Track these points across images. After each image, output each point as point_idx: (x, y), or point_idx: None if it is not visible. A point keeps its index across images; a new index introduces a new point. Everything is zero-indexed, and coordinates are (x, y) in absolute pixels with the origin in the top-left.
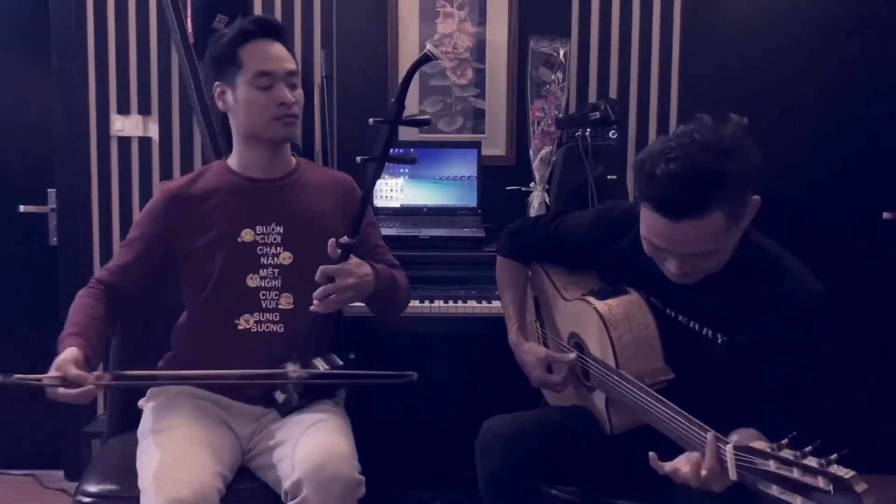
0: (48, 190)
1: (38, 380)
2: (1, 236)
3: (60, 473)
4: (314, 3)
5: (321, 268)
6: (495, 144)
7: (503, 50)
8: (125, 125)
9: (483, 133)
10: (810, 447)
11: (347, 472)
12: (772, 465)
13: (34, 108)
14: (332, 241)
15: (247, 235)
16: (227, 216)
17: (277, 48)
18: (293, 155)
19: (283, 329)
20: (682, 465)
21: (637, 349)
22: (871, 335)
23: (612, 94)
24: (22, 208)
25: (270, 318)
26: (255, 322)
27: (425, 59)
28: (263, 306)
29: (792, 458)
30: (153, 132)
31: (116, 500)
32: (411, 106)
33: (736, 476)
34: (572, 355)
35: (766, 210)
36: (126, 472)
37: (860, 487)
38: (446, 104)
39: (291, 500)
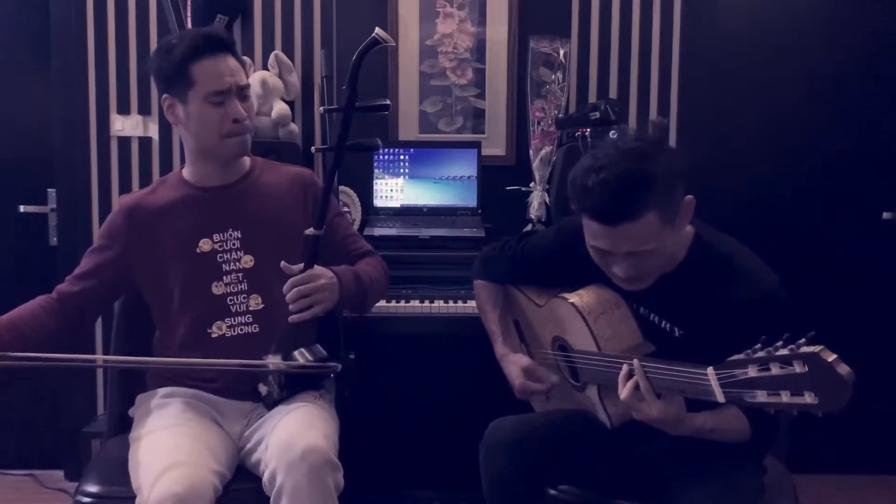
0: (48, 190)
1: None
2: (1, 236)
3: (60, 473)
4: (314, 3)
5: (289, 281)
6: (495, 144)
7: (503, 50)
8: (125, 125)
9: (483, 133)
10: (780, 342)
11: (321, 458)
12: (751, 371)
13: (34, 108)
14: (283, 263)
15: (205, 245)
16: (183, 228)
17: (229, 62)
18: (248, 156)
19: (257, 329)
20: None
21: (613, 329)
22: (871, 335)
23: (612, 94)
24: (22, 208)
25: (243, 321)
26: (229, 327)
27: (374, 42)
28: (234, 311)
29: (766, 355)
30: (153, 132)
31: (116, 500)
32: (411, 106)
33: (724, 398)
34: (555, 378)
35: (766, 209)
36: (126, 472)
37: (829, 357)
38: (446, 104)
39: (271, 490)
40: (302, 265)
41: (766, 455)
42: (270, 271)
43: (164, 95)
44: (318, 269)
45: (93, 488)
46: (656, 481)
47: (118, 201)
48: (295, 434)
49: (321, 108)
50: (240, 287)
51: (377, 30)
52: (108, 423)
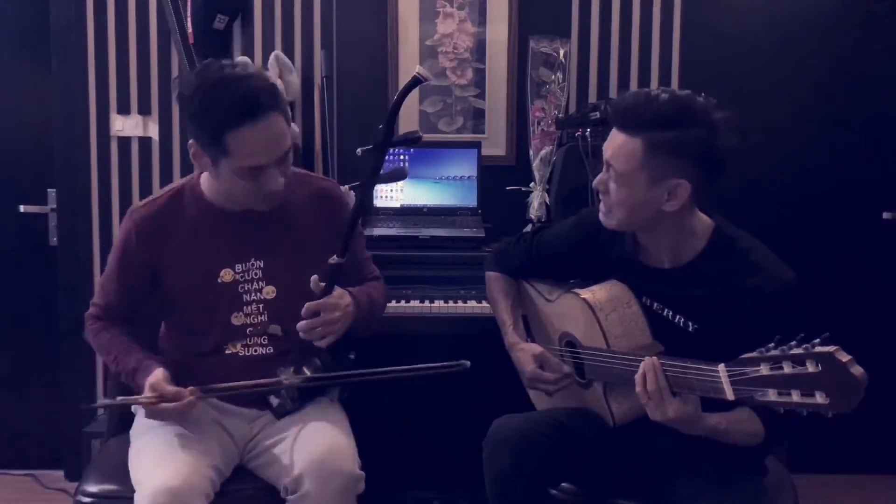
0: (48, 190)
1: (137, 401)
2: (1, 236)
3: (60, 473)
4: (314, 3)
5: (307, 305)
6: (495, 144)
7: (503, 50)
8: (125, 125)
9: (483, 133)
10: (794, 341)
11: (348, 468)
12: (763, 369)
13: (34, 108)
14: (314, 278)
15: (226, 275)
16: (204, 255)
17: (272, 127)
18: None
19: (272, 350)
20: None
21: (624, 327)
22: (871, 335)
23: (612, 94)
24: (22, 208)
25: (259, 342)
26: (243, 346)
27: (415, 82)
28: (249, 336)
29: (779, 353)
30: (153, 132)
31: (116, 500)
32: (411, 106)
33: (733, 395)
34: (567, 368)
35: (766, 209)
36: (126, 472)
37: (844, 357)
38: (446, 104)
39: (291, 494)
40: (324, 285)
41: (767, 456)
42: (291, 302)
43: (192, 141)
44: (335, 295)
45: (93, 488)
46: (658, 481)
47: (128, 214)
48: (326, 448)
49: (358, 150)
50: (260, 318)
51: (418, 68)
52: (108, 423)
